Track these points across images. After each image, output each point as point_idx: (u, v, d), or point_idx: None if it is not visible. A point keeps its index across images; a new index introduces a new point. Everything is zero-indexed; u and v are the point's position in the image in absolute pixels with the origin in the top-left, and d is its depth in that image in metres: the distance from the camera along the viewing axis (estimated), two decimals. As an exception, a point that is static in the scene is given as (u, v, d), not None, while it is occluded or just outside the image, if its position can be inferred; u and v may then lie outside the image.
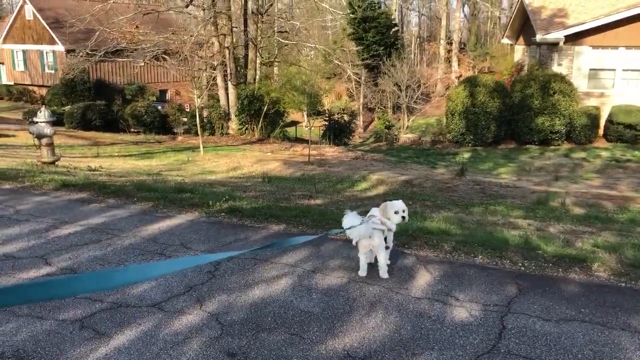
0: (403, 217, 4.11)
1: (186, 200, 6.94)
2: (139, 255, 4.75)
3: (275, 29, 28.02)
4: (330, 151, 20.07)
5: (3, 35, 38.77)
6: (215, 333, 3.32)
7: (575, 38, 21.21)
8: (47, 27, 34.81)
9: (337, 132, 25.12)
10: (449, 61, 44.33)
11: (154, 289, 3.95)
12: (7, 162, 12.02)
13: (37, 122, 10.90)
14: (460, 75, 40.27)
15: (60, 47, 34.47)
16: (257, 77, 25.37)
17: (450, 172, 14.69)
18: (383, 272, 4.20)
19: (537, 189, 11.71)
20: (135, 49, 23.91)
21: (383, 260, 4.18)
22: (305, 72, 26.69)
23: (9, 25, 38.55)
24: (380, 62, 35.96)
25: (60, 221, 5.82)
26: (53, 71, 36.27)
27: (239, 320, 3.48)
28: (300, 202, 7.67)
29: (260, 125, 23.83)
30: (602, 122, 21.25)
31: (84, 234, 5.37)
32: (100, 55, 23.85)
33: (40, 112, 10.91)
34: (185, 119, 27.33)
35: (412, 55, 48.37)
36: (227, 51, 24.07)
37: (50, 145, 11.10)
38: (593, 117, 20.63)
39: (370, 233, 4.04)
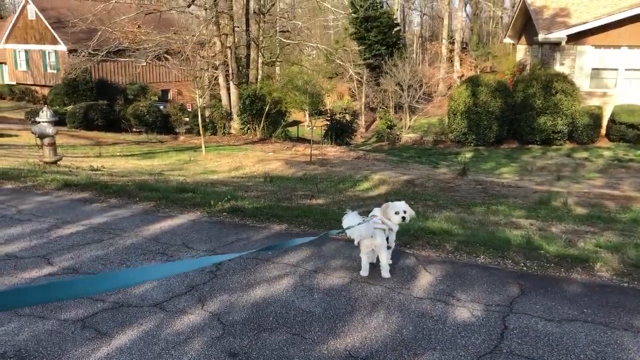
0: (403, 218, 4.10)
1: (188, 200, 6.94)
2: (140, 255, 4.75)
3: (277, 28, 28.01)
4: (332, 151, 20.07)
5: (5, 35, 38.84)
6: (217, 333, 3.32)
7: (577, 37, 21.17)
8: (50, 27, 34.87)
9: (339, 131, 25.11)
10: (451, 61, 44.27)
11: (156, 288, 3.95)
12: (10, 161, 12.03)
13: (39, 122, 10.92)
14: (462, 75, 40.21)
15: (62, 47, 34.51)
16: (259, 76, 25.36)
17: (452, 171, 14.68)
18: (385, 272, 4.20)
19: (539, 188, 11.69)
20: (138, 49, 23.93)
21: (385, 260, 4.17)
22: (307, 71, 26.66)
23: (11, 25, 38.61)
24: (382, 62, 35.94)
25: (62, 221, 5.82)
26: (55, 71, 36.33)
27: (240, 320, 3.48)
28: (302, 202, 7.66)
29: (262, 125, 23.83)
30: (605, 122, 21.21)
31: (85, 233, 5.38)
32: (103, 55, 23.87)
33: (43, 112, 10.92)
34: (187, 119, 27.34)
35: (414, 55, 48.34)
36: (229, 51, 24.07)
37: (53, 145, 11.11)
38: (595, 117, 20.60)
39: (372, 233, 4.04)
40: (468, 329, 3.39)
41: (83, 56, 24.30)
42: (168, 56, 23.51)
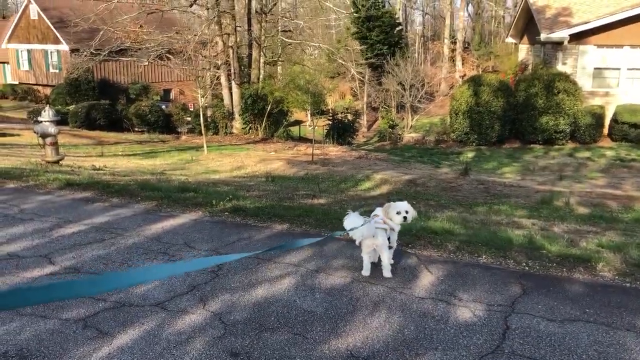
0: (405, 218, 4.09)
1: (190, 199, 6.95)
2: (142, 254, 4.75)
3: (279, 28, 27.99)
4: (334, 150, 20.06)
5: (8, 35, 38.90)
6: (219, 332, 3.32)
7: (579, 37, 21.13)
8: (52, 27, 34.90)
9: (341, 131, 25.10)
10: (453, 60, 44.24)
11: (157, 288, 3.95)
12: (12, 161, 12.06)
13: (41, 122, 10.93)
14: (464, 75, 40.18)
15: (64, 47, 34.55)
16: (261, 76, 25.36)
17: (454, 171, 14.67)
18: (386, 272, 4.19)
19: (541, 188, 11.67)
20: (139, 49, 23.94)
21: (386, 259, 4.17)
22: (309, 71, 26.66)
23: (13, 24, 38.67)
24: (384, 61, 35.91)
25: (64, 220, 5.83)
26: (57, 70, 36.37)
27: (242, 320, 3.48)
28: (303, 201, 7.66)
29: (263, 124, 23.83)
30: (607, 122, 21.17)
31: (87, 233, 5.38)
32: (105, 55, 23.87)
33: (45, 111, 10.94)
34: (189, 119, 27.36)
35: (416, 55, 48.31)
36: (230, 50, 24.07)
37: (55, 144, 11.13)
38: (597, 117, 20.56)
39: (374, 232, 4.03)
40: (470, 329, 3.38)
41: (85, 56, 24.30)
42: (170, 56, 23.51)
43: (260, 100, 23.44)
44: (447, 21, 44.77)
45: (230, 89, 24.55)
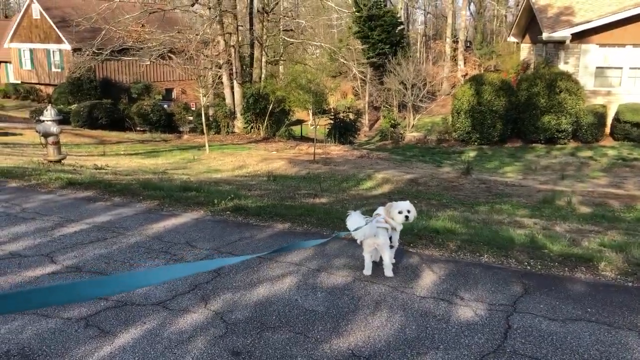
0: (406, 217, 4.09)
1: (192, 198, 6.95)
2: (144, 253, 4.75)
3: (281, 27, 28.00)
4: (336, 150, 20.06)
5: (10, 34, 38.94)
6: (220, 332, 3.32)
7: (581, 36, 21.10)
8: (54, 26, 34.94)
9: (343, 130, 25.09)
10: (455, 59, 44.17)
11: (159, 287, 3.95)
12: (14, 160, 12.08)
13: (43, 121, 10.94)
14: (466, 74, 40.13)
15: (66, 46, 34.59)
16: (263, 75, 25.36)
17: (456, 170, 14.66)
18: (388, 271, 4.19)
19: (543, 187, 11.66)
20: (141, 48, 23.95)
21: (388, 259, 4.16)
22: (311, 70, 26.64)
23: (16, 24, 38.71)
24: (385, 61, 35.88)
25: (66, 219, 5.84)
26: (60, 70, 36.41)
27: (243, 319, 3.48)
28: (305, 200, 7.67)
29: (265, 124, 23.83)
30: (609, 121, 21.14)
31: (89, 232, 5.39)
32: (107, 54, 23.89)
33: (47, 110, 10.95)
34: (191, 118, 27.38)
35: (418, 54, 48.23)
36: (232, 50, 24.08)
37: (57, 143, 11.14)
38: (600, 116, 20.53)
39: (375, 232, 4.03)
40: (471, 328, 3.38)
41: (87, 55, 24.32)
42: (172, 55, 23.51)
43: (262, 99, 23.45)
44: (449, 20, 44.74)
45: (232, 88, 24.56)
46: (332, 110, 27.44)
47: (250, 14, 25.43)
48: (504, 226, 6.07)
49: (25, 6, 38.38)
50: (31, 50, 38.20)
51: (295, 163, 15.57)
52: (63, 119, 13.50)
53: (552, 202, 9.13)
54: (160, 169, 13.06)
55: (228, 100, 24.88)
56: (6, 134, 21.53)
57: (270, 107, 23.46)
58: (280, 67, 31.44)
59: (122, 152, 18.23)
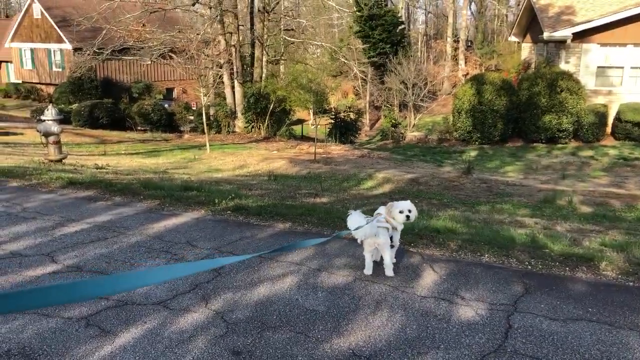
0: (407, 217, 4.09)
1: (192, 198, 6.95)
2: (145, 253, 4.75)
3: (282, 27, 28.01)
4: (337, 149, 20.05)
5: (11, 34, 38.98)
6: (221, 331, 3.32)
7: (583, 35, 21.07)
8: (55, 26, 34.96)
9: (344, 130, 25.09)
10: (456, 59, 44.15)
11: (160, 286, 3.95)
12: (15, 160, 12.08)
13: (44, 120, 10.95)
14: (467, 73, 40.11)
15: (67, 46, 34.61)
16: (264, 75, 25.37)
17: (457, 170, 14.65)
18: (389, 271, 4.18)
19: (544, 187, 11.66)
20: (142, 47, 23.98)
21: (388, 258, 4.16)
22: (312, 70, 26.66)
23: (17, 23, 38.75)
24: (386, 60, 35.87)
25: (67, 219, 5.84)
26: (60, 69, 36.43)
27: (244, 319, 3.48)
28: (306, 200, 7.66)
29: (266, 123, 23.84)
30: (610, 120, 21.12)
31: (90, 231, 5.39)
32: (107, 54, 23.92)
33: (48, 110, 10.96)
34: (191, 117, 27.39)
35: (419, 53, 48.21)
36: (233, 49, 24.08)
37: (58, 143, 11.15)
38: (601, 115, 20.51)
39: (376, 231, 4.03)
40: (472, 327, 3.38)
41: (88, 55, 24.35)
42: (173, 55, 23.53)
43: (262, 99, 23.45)
44: (450, 20, 44.71)
45: (232, 87, 24.56)
46: (333, 109, 27.48)
47: (251, 13, 25.44)
48: (504, 226, 6.07)
49: (26, 6, 38.40)
50: (32, 50, 38.23)
51: (296, 162, 15.58)
52: (64, 119, 13.50)
53: (553, 201, 9.12)
54: (161, 168, 13.07)
55: (229, 99, 24.88)
56: (7, 134, 21.55)
57: (271, 106, 23.46)
58: (281, 66, 31.45)
59: (123, 152, 18.24)
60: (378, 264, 4.28)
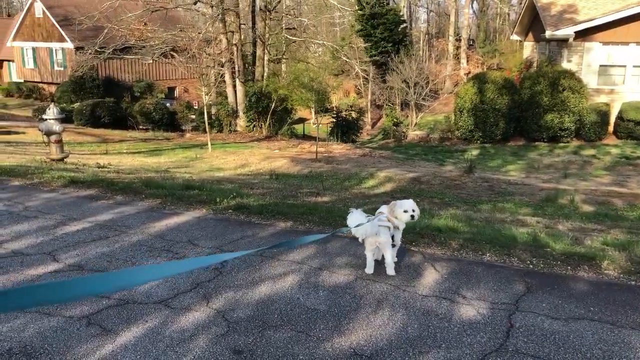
0: (412, 216, 4.08)
1: (194, 197, 6.95)
2: (146, 252, 4.76)
3: (283, 25, 28.01)
4: (338, 148, 20.05)
5: (13, 33, 39.01)
6: (222, 330, 3.32)
7: (585, 34, 21.03)
8: (57, 25, 34.99)
9: (345, 129, 25.07)
10: (458, 58, 44.09)
11: (161, 285, 3.95)
12: (17, 159, 12.10)
13: (46, 119, 10.96)
14: (469, 72, 40.04)
15: (69, 45, 34.63)
16: (265, 74, 25.37)
17: (459, 169, 14.64)
18: (390, 270, 4.18)
19: (546, 186, 11.64)
20: (144, 46, 23.98)
21: (390, 257, 4.15)
22: (313, 69, 26.63)
23: (18, 22, 38.78)
24: (388, 59, 35.83)
25: (69, 218, 5.84)
26: (62, 68, 36.46)
27: (245, 318, 3.48)
28: (307, 199, 7.66)
29: (268, 122, 23.84)
30: (612, 119, 21.07)
31: (91, 230, 5.39)
32: (109, 53, 23.94)
33: (49, 109, 10.97)
34: (193, 116, 27.40)
35: (421, 52, 48.15)
36: (235, 48, 24.08)
37: (59, 142, 11.16)
38: (603, 114, 20.46)
39: (377, 230, 4.02)
40: (474, 327, 3.37)
41: (90, 54, 24.38)
42: (174, 53, 23.54)
43: (264, 98, 23.45)
44: (452, 18, 44.62)
45: (234, 86, 24.56)
46: (335, 108, 27.42)
47: (253, 12, 25.45)
48: (506, 225, 6.06)
49: (28, 5, 38.44)
50: (34, 49, 38.26)
51: (298, 161, 15.57)
52: (66, 118, 13.52)
53: (555, 200, 9.11)
54: (162, 167, 13.07)
55: (230, 98, 24.88)
56: (9, 133, 21.58)
57: (273, 105, 23.46)
58: (283, 65, 31.45)
59: (124, 151, 18.25)
60: (379, 263, 4.27)
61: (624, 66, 21.27)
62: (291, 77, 25.49)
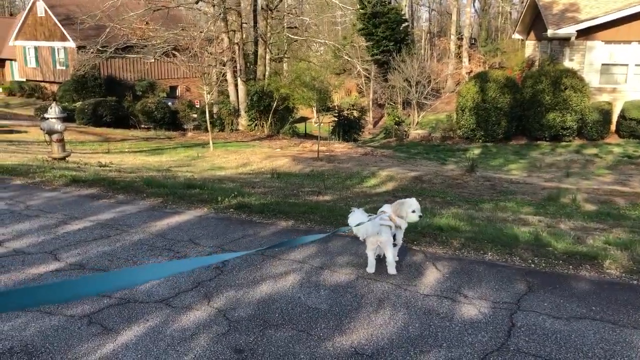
0: (420, 216, 4.11)
1: (195, 196, 6.95)
2: (147, 251, 4.76)
3: (285, 24, 27.96)
4: (340, 147, 20.04)
5: (15, 32, 39.07)
6: (223, 329, 3.32)
7: (587, 33, 20.98)
8: (59, 24, 35.03)
9: (347, 128, 25.07)
10: (460, 57, 44.02)
11: (162, 284, 3.95)
12: (19, 158, 12.11)
13: (48, 118, 10.97)
14: (471, 71, 39.99)
15: (71, 44, 34.67)
16: (267, 73, 25.35)
17: (461, 168, 14.62)
18: (391, 269, 4.18)
19: (547, 185, 11.62)
20: (146, 45, 23.98)
21: (391, 256, 4.15)
22: (315, 68, 26.62)
23: (20, 21, 38.83)
24: (390, 58, 35.80)
25: (70, 217, 5.84)
26: (64, 67, 36.50)
27: (246, 317, 3.48)
28: (309, 198, 7.66)
29: (269, 121, 23.83)
30: (615, 118, 21.03)
31: (93, 229, 5.39)
32: (111, 52, 23.93)
33: (51, 108, 10.98)
34: (195, 115, 27.42)
35: (423, 51, 48.11)
36: (236, 47, 24.07)
37: (61, 141, 11.17)
38: (605, 113, 20.42)
39: (378, 229, 4.02)
40: (475, 326, 3.37)
41: (92, 53, 24.37)
42: (176, 52, 23.54)
43: (266, 97, 23.45)
44: (454, 17, 44.55)
45: (236, 85, 24.56)
46: (336, 107, 27.42)
47: (254, 11, 25.43)
48: (508, 224, 6.05)
49: (30, 4, 38.47)
50: (36, 48, 38.30)
51: (299, 160, 15.57)
52: (67, 117, 13.54)
53: (557, 199, 9.09)
54: (164, 166, 13.08)
55: (232, 97, 24.88)
56: (11, 132, 21.61)
57: (274, 104, 23.45)
58: (284, 64, 31.44)
59: (126, 150, 18.27)
60: (381, 262, 4.27)
61: (626, 65, 21.22)
62: (293, 76, 25.49)
